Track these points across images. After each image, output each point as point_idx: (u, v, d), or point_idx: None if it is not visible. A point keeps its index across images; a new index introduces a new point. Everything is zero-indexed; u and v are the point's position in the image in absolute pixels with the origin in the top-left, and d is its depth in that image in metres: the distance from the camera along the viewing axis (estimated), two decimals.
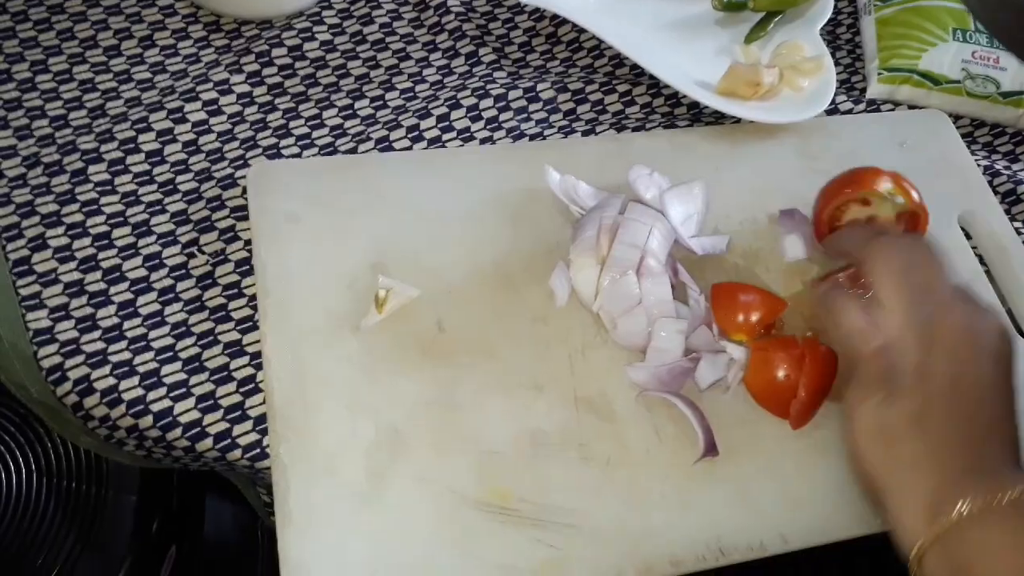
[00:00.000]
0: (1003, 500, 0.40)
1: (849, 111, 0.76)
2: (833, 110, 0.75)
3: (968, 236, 0.69)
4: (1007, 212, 0.72)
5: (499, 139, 0.68)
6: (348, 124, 0.67)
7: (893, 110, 0.77)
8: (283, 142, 0.65)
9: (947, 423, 0.45)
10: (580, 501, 0.52)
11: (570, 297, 0.58)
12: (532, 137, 0.69)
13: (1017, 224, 0.73)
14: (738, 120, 0.71)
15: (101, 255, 0.58)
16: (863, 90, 0.78)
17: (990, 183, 0.73)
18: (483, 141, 0.68)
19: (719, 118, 0.72)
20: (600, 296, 0.55)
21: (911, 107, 0.77)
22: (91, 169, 0.61)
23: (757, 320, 0.56)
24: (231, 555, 1.07)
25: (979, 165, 0.73)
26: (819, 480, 0.55)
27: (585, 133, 0.70)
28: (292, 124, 0.66)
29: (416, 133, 0.67)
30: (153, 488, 0.94)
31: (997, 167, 0.75)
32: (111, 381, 0.54)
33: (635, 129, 0.71)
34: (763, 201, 0.66)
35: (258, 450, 0.53)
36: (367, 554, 0.49)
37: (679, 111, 0.73)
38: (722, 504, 0.53)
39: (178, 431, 0.53)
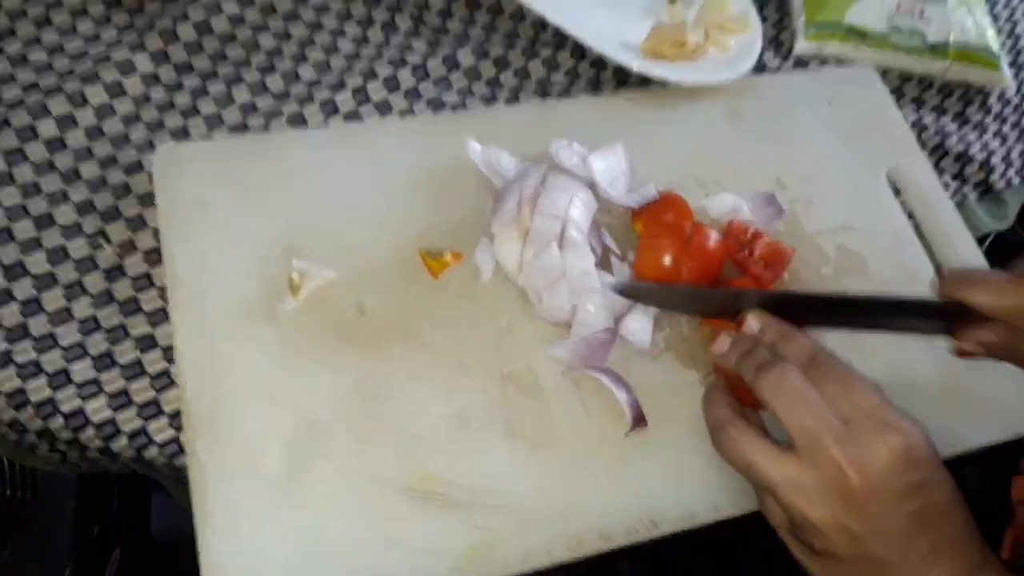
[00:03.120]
0: None
1: (777, 69, 0.75)
2: (761, 68, 0.74)
3: (897, 191, 0.68)
4: (936, 166, 0.72)
5: (419, 110, 0.66)
6: (259, 101, 0.64)
7: (821, 67, 0.76)
8: (191, 122, 0.63)
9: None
10: (508, 481, 0.51)
11: (495, 272, 0.57)
12: (454, 107, 0.67)
13: (945, 178, 0.73)
14: (664, 83, 0.69)
15: (0, 250, 0.55)
16: (791, 48, 0.77)
17: (918, 137, 0.73)
18: (402, 113, 0.66)
19: (646, 81, 0.70)
20: (524, 270, 0.54)
21: (840, 63, 0.77)
22: None
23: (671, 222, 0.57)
24: (181, 553, 1.06)
25: (907, 120, 0.73)
26: None
27: (508, 101, 0.68)
28: (200, 103, 0.63)
29: (331, 107, 0.65)
30: (92, 491, 0.91)
31: (925, 122, 0.75)
32: (16, 383, 0.51)
33: (560, 95, 0.69)
34: (690, 164, 0.65)
35: (175, 447, 0.52)
36: (290, 550, 0.47)
37: (604, 75, 0.71)
38: (653, 476, 0.53)
39: (90, 431, 0.51)
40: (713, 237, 0.55)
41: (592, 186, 0.58)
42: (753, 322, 0.48)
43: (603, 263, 0.57)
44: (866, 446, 0.41)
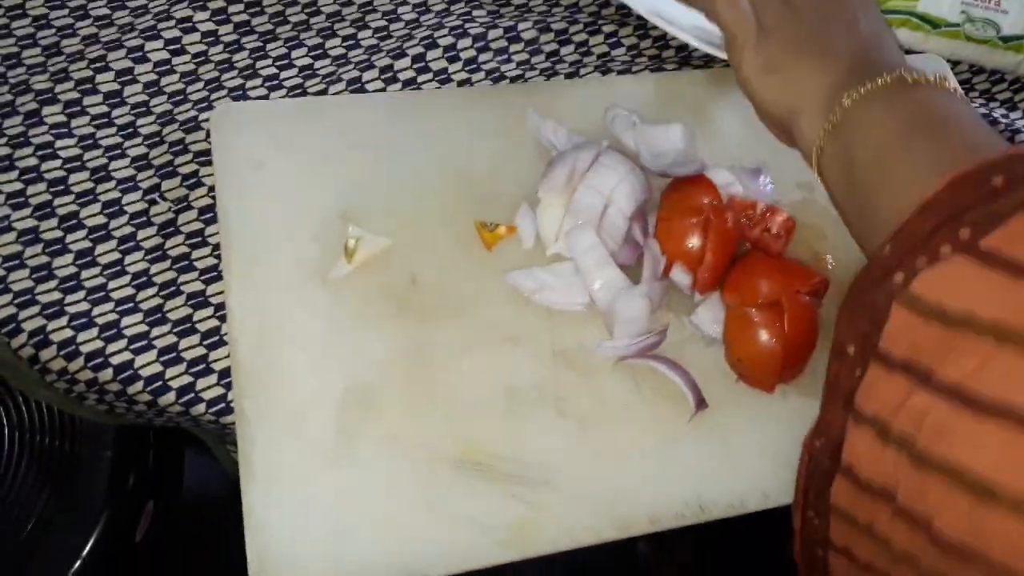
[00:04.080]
0: (881, 83, 0.42)
1: None
2: None
3: None
4: None
5: (478, 81, 0.65)
6: (318, 64, 0.64)
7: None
8: (249, 83, 0.62)
9: (823, 35, 0.46)
10: (556, 458, 0.50)
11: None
12: (513, 79, 0.66)
13: None
14: (728, 64, 0.67)
15: (57, 201, 0.55)
16: None
17: None
18: (461, 83, 0.65)
19: (708, 61, 0.68)
20: (560, 239, 0.53)
21: (909, 51, 0.74)
22: (45, 111, 0.58)
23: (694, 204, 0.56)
24: (213, 509, 1.06)
25: None
26: (801, 436, 0.53)
27: (568, 76, 0.67)
28: (259, 64, 0.63)
29: (390, 74, 0.64)
30: (129, 443, 0.92)
31: (995, 115, 0.73)
32: (68, 333, 0.51)
33: (620, 72, 0.68)
34: (751, 148, 0.63)
35: (223, 405, 0.51)
36: (333, 512, 0.47)
37: (667, 53, 0.70)
38: (704, 460, 0.52)
39: (139, 385, 0.51)
40: (730, 218, 0.54)
41: (636, 157, 0.56)
42: None
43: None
44: None
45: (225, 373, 0.52)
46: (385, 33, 0.66)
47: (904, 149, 0.40)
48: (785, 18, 0.47)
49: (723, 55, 0.65)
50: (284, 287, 0.52)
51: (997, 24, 0.73)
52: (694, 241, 0.54)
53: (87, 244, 0.54)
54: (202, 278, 0.54)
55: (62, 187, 0.55)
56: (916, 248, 0.34)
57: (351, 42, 0.65)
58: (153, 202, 0.56)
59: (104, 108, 0.59)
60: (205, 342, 0.52)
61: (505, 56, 0.67)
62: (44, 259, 0.53)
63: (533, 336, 0.54)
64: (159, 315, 0.53)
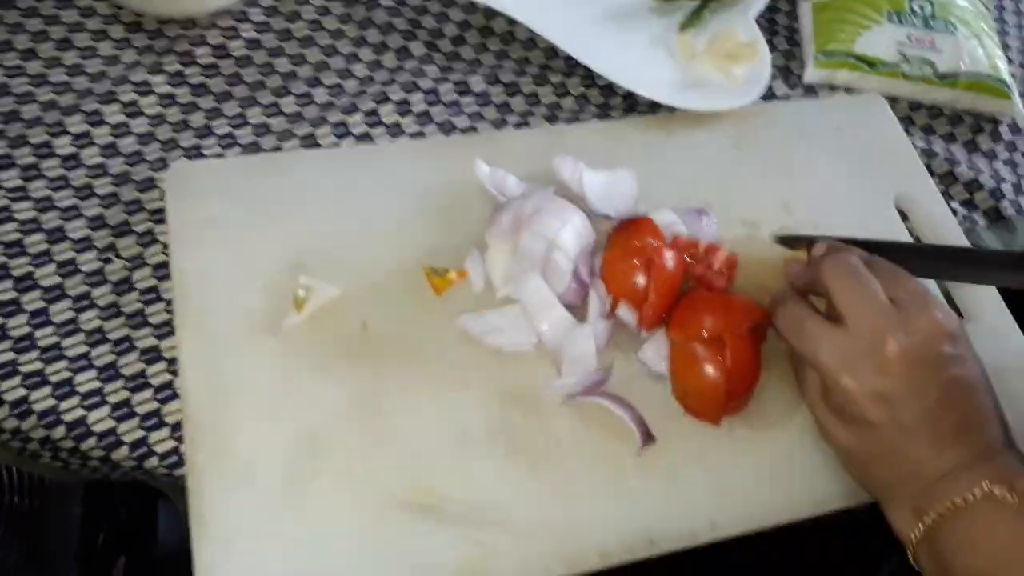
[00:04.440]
0: (969, 499, 0.44)
1: (787, 98, 0.75)
2: (770, 96, 0.75)
3: (905, 217, 0.68)
4: (944, 193, 0.72)
5: (430, 134, 0.67)
6: (272, 122, 0.66)
7: (831, 95, 0.77)
8: (205, 142, 0.64)
9: (908, 444, 0.47)
10: (507, 497, 0.51)
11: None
12: (464, 131, 0.68)
13: (954, 204, 0.73)
14: (673, 109, 0.70)
15: (12, 263, 0.56)
16: (800, 77, 0.77)
17: (928, 165, 0.72)
18: (413, 136, 0.67)
19: (654, 108, 0.71)
20: (508, 283, 0.55)
21: (849, 91, 0.77)
22: (3, 175, 0.59)
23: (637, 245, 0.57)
24: (186, 562, 1.05)
25: (916, 147, 0.73)
26: (748, 467, 0.54)
27: (518, 126, 0.69)
28: (214, 123, 0.65)
29: (343, 129, 0.66)
30: (99, 499, 0.92)
31: (935, 149, 0.75)
32: (21, 392, 0.52)
33: (568, 121, 0.70)
34: (697, 190, 0.65)
35: (176, 457, 0.52)
36: (286, 563, 0.47)
37: (613, 101, 0.72)
38: (652, 494, 0.52)
39: (92, 440, 0.52)
40: (672, 257, 0.55)
41: (582, 201, 0.58)
42: (819, 247, 0.55)
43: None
44: (909, 319, 0.47)
45: (178, 426, 0.52)
46: (339, 90, 0.68)
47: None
48: (879, 413, 0.48)
49: (671, 102, 0.67)
50: (235, 339, 0.53)
51: (932, 62, 0.76)
52: (638, 280, 0.55)
53: (41, 304, 0.55)
54: (156, 333, 0.55)
55: (18, 249, 0.56)
56: None
57: (305, 99, 0.67)
58: (108, 260, 0.57)
59: (61, 171, 0.60)
60: (158, 396, 0.53)
61: (456, 108, 0.69)
62: None
63: (484, 378, 0.54)
64: (112, 371, 0.53)
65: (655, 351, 0.56)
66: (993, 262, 0.57)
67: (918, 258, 0.58)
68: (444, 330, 0.56)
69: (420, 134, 0.67)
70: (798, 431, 0.55)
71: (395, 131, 0.67)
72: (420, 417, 0.52)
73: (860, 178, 0.69)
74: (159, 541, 1.00)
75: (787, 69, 0.78)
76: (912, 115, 0.77)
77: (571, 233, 0.55)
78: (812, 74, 0.76)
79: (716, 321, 0.54)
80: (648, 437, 0.53)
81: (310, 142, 0.65)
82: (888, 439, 0.47)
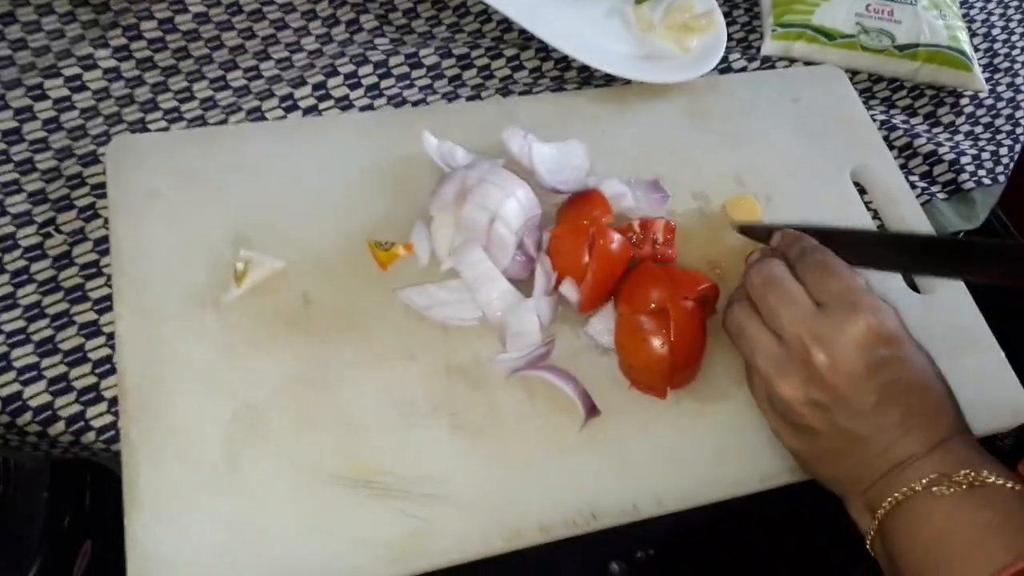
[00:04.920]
0: (909, 494, 0.45)
1: (743, 69, 0.74)
2: (727, 69, 0.74)
3: (862, 191, 0.68)
4: (903, 167, 0.71)
5: (380, 107, 0.66)
6: (219, 96, 0.65)
7: (788, 67, 0.76)
8: (150, 117, 0.63)
9: (851, 445, 0.47)
10: (448, 471, 0.50)
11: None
12: (415, 104, 0.67)
13: (914, 178, 0.72)
14: (628, 82, 0.69)
15: None
16: (758, 48, 0.76)
17: (886, 138, 0.72)
18: (363, 109, 0.66)
19: (609, 81, 0.70)
20: (452, 257, 0.54)
21: (808, 64, 0.76)
22: None
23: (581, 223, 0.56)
24: None
25: (876, 120, 0.72)
26: (694, 441, 0.54)
27: (471, 99, 0.68)
28: (160, 98, 0.64)
29: (290, 103, 0.65)
30: (65, 483, 0.91)
31: (894, 121, 0.75)
32: None
33: (522, 94, 0.69)
34: (650, 162, 0.65)
35: (113, 432, 0.51)
36: (220, 538, 0.47)
37: (569, 75, 0.71)
38: (596, 468, 0.52)
39: (28, 415, 0.51)
40: (616, 240, 0.54)
41: (532, 175, 0.57)
42: (776, 236, 0.54)
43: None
44: (835, 327, 0.45)
45: (115, 401, 0.52)
46: (288, 64, 0.67)
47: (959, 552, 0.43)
48: (823, 422, 0.48)
49: (626, 75, 0.66)
50: (174, 313, 0.53)
51: (891, 34, 0.75)
52: (583, 259, 0.54)
53: None
54: (95, 308, 0.54)
55: None
56: None
57: (253, 73, 0.66)
58: (48, 235, 0.56)
59: (2, 145, 0.59)
60: (96, 370, 0.53)
61: (407, 82, 0.68)
62: None
63: (428, 352, 0.54)
64: (50, 345, 0.53)
65: (602, 325, 0.56)
66: (956, 253, 0.55)
67: (876, 246, 0.57)
68: (388, 304, 0.55)
69: (370, 107, 0.66)
70: (745, 404, 0.55)
71: (344, 104, 0.66)
72: (362, 391, 0.52)
73: (816, 151, 0.68)
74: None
75: (745, 41, 0.77)
76: (873, 88, 0.76)
77: (514, 205, 0.54)
78: (769, 46, 0.75)
79: (661, 293, 0.54)
80: (592, 410, 0.53)
81: (257, 116, 0.64)
82: (831, 442, 0.47)
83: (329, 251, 0.57)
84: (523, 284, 0.56)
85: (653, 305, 0.53)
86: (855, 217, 0.66)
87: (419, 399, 0.52)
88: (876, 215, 0.67)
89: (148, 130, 0.62)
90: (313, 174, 0.60)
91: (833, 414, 0.46)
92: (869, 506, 0.47)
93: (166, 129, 0.62)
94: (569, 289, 0.55)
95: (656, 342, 0.52)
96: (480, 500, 0.50)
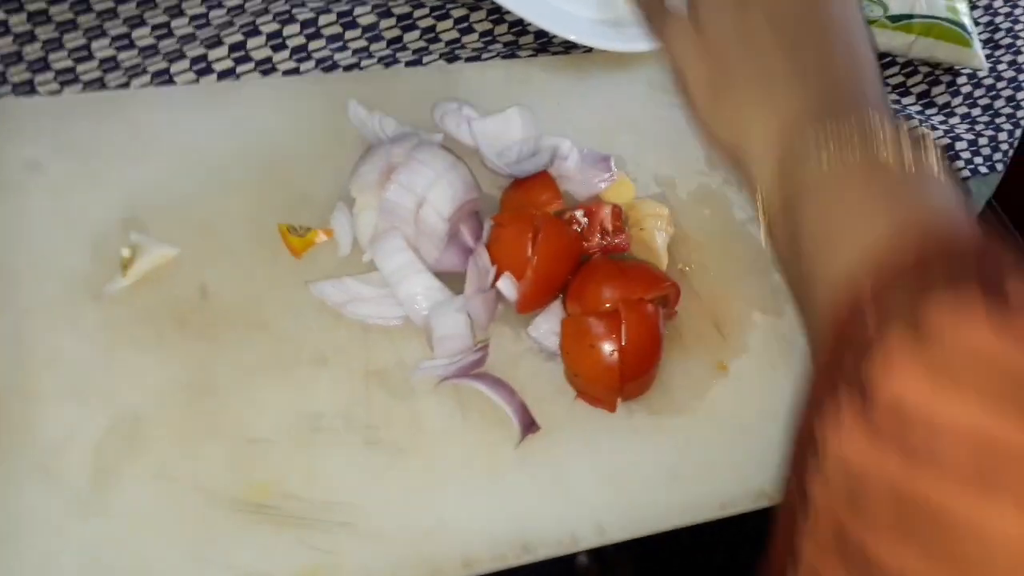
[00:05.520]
0: (832, 132, 0.34)
1: None
2: None
3: None
4: None
5: (307, 71, 0.58)
6: (122, 56, 0.57)
7: None
8: (40, 77, 0.55)
9: (778, 63, 0.37)
10: (359, 495, 0.44)
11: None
12: (347, 68, 0.59)
13: None
14: (590, 50, 0.62)
15: None
16: None
17: None
18: (287, 74, 0.58)
19: (568, 48, 0.63)
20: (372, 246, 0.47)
21: None
22: None
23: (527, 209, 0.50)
24: None
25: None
26: (645, 460, 0.47)
27: (410, 64, 0.60)
28: (52, 57, 0.56)
29: (203, 65, 0.57)
30: None
31: None
32: None
33: (469, 59, 0.61)
34: (610, 141, 0.58)
35: None
36: (83, 569, 0.40)
37: (524, 40, 0.64)
38: (530, 491, 0.45)
39: None
40: (564, 230, 0.48)
41: (477, 154, 0.50)
42: None
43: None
44: None
45: None
46: (203, 21, 0.59)
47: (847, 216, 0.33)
48: (736, 43, 0.39)
49: (587, 42, 0.59)
50: (47, 305, 0.45)
51: (884, 3, 0.68)
52: (526, 251, 0.48)
53: None
54: None
55: None
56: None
57: (163, 31, 0.58)
58: None
59: None
60: None
61: (339, 44, 0.60)
62: None
63: (342, 355, 0.47)
64: None
65: (547, 326, 0.49)
66: None
67: None
68: (299, 299, 0.48)
69: (295, 71, 0.58)
70: (705, 418, 0.48)
71: (266, 69, 0.58)
72: (263, 400, 0.45)
73: None
74: None
75: None
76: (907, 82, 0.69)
77: (446, 188, 0.47)
78: None
79: (614, 292, 0.47)
80: (530, 425, 0.46)
81: (164, 80, 0.56)
82: (753, 65, 0.38)
83: (234, 236, 0.49)
84: (458, 279, 0.49)
85: (607, 306, 0.47)
86: None
87: (329, 410, 0.45)
88: None
89: (37, 93, 0.54)
90: (222, 148, 0.52)
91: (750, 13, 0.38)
92: (772, 156, 0.37)
93: (58, 92, 0.55)
94: (507, 285, 0.48)
95: (606, 348, 0.46)
96: (395, 530, 0.43)
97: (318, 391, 0.46)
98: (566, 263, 0.49)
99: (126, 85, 0.55)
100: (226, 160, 0.52)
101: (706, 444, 0.48)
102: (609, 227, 0.51)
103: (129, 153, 0.51)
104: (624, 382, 0.46)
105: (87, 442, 0.43)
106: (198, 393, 0.45)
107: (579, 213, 0.51)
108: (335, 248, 0.50)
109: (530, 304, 0.48)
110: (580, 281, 0.49)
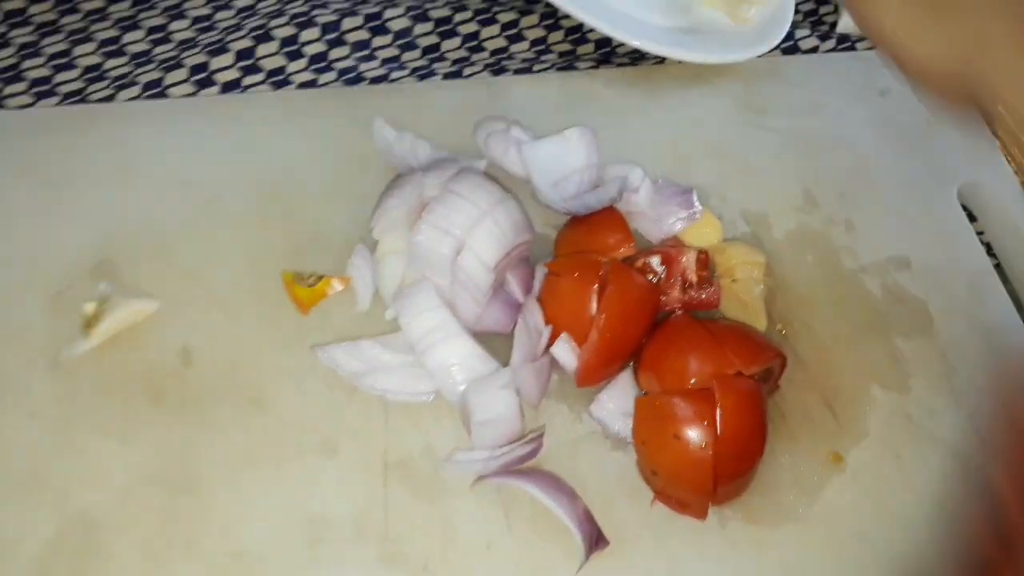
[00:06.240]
0: None
1: (813, 50, 0.57)
2: (792, 49, 0.56)
3: (972, 216, 0.50)
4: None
5: (327, 83, 0.49)
6: (109, 64, 0.48)
7: (873, 49, 0.58)
8: (10, 89, 0.46)
9: None
10: None
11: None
12: (374, 81, 0.50)
13: None
14: (662, 61, 0.52)
15: None
16: (834, 25, 0.59)
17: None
18: (303, 86, 0.49)
19: (636, 59, 0.53)
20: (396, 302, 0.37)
21: None
22: None
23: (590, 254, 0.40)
24: None
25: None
26: None
27: (449, 77, 0.51)
28: (26, 64, 0.47)
29: (204, 75, 0.48)
30: None
31: None
32: None
33: (519, 72, 0.52)
34: (688, 167, 0.48)
35: None
36: None
37: (583, 49, 0.54)
38: None
39: None
40: (640, 284, 0.38)
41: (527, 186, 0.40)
42: None
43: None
44: None
45: None
46: (207, 23, 0.50)
47: None
48: None
49: (660, 52, 0.49)
50: None
51: None
52: (588, 308, 0.37)
53: None
54: None
55: None
56: None
57: (159, 35, 0.49)
58: None
59: None
60: None
61: (365, 51, 0.51)
62: None
63: (356, 442, 0.37)
64: None
65: (616, 405, 0.39)
66: None
67: None
68: (304, 368, 0.38)
69: (313, 84, 0.49)
70: (818, 526, 0.38)
71: (278, 80, 0.49)
72: (253, 501, 0.35)
73: (912, 160, 0.51)
74: None
75: (815, 15, 0.59)
76: None
77: (491, 228, 0.37)
78: (848, 22, 0.58)
79: (703, 365, 0.37)
80: (597, 540, 0.36)
81: (156, 92, 0.47)
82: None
83: (226, 286, 0.40)
84: (503, 342, 0.39)
85: (692, 381, 0.36)
86: (965, 253, 0.48)
87: (337, 515, 0.36)
88: (990, 249, 0.49)
89: (3, 106, 0.46)
90: (219, 175, 0.43)
91: None
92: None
93: (29, 106, 0.46)
94: (565, 351, 0.37)
95: (695, 438, 0.35)
96: None
97: (323, 490, 0.36)
98: (639, 323, 0.39)
99: (111, 98, 0.47)
100: (222, 190, 0.43)
101: (820, 559, 0.37)
102: (693, 277, 0.40)
103: (106, 181, 0.42)
104: (719, 483, 0.36)
105: (27, 552, 0.33)
106: (172, 490, 0.35)
107: (655, 260, 0.41)
108: (351, 302, 0.40)
109: (593, 376, 0.38)
110: (658, 347, 0.39)
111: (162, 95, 0.47)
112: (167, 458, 0.36)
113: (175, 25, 0.50)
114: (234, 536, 0.35)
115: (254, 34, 0.50)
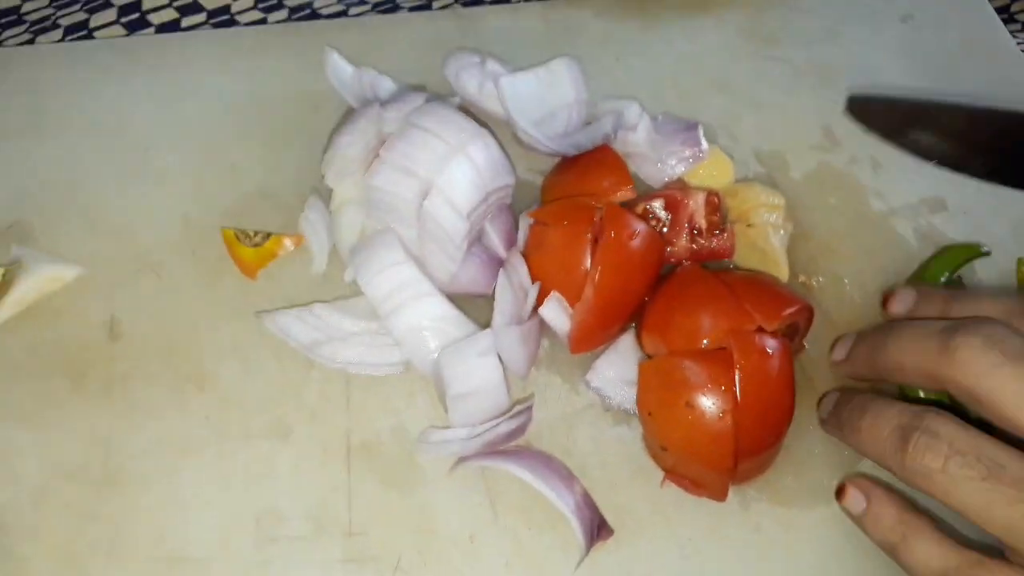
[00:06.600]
0: None
1: None
2: None
3: None
4: None
5: (277, 21, 0.44)
6: (28, 6, 0.42)
7: None
8: None
9: None
10: None
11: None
12: (331, 17, 0.44)
13: None
14: None
15: None
16: None
17: None
18: (252, 24, 0.43)
19: None
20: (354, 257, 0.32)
21: None
22: None
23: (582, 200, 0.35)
24: None
25: (1021, 49, 0.49)
26: (772, 570, 0.31)
27: (416, 9, 0.45)
28: None
29: (136, 15, 0.42)
30: None
31: None
32: None
33: (494, 1, 0.46)
34: (691, 102, 0.42)
35: None
36: None
37: None
38: None
39: None
40: (641, 231, 0.32)
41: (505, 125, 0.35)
42: (906, 296, 0.34)
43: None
44: None
45: None
46: None
47: None
48: None
49: None
50: None
51: None
52: (582, 262, 0.32)
53: None
54: None
55: None
56: None
57: None
58: None
59: None
60: None
61: None
62: None
63: (314, 423, 0.32)
64: None
65: (615, 372, 0.33)
66: None
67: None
68: (251, 338, 0.33)
69: (262, 22, 0.43)
70: None
71: (223, 20, 0.43)
72: (190, 493, 0.30)
73: (941, 92, 0.45)
74: None
75: None
76: (1011, 5, 0.53)
77: (466, 169, 0.31)
78: None
79: (715, 320, 0.31)
80: (599, 530, 0.30)
81: (82, 35, 0.41)
82: None
83: (159, 247, 0.34)
84: (483, 304, 0.33)
85: (705, 342, 0.31)
86: (1005, 192, 0.43)
87: (293, 507, 0.30)
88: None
89: None
90: (151, 123, 0.38)
91: None
92: None
93: None
94: (556, 312, 0.32)
95: (711, 406, 0.30)
96: None
97: (276, 480, 0.31)
98: (641, 277, 0.33)
99: (30, 42, 0.41)
100: (155, 140, 0.37)
101: (858, 545, 0.32)
102: (702, 223, 0.35)
103: (21, 130, 0.37)
104: (739, 458, 0.30)
105: None
106: (96, 484, 0.30)
107: (657, 204, 0.35)
108: (305, 263, 0.35)
109: (589, 339, 0.33)
110: (663, 304, 0.33)
111: (88, 38, 0.42)
112: (89, 449, 0.31)
113: None
114: (169, 538, 0.29)
115: None
